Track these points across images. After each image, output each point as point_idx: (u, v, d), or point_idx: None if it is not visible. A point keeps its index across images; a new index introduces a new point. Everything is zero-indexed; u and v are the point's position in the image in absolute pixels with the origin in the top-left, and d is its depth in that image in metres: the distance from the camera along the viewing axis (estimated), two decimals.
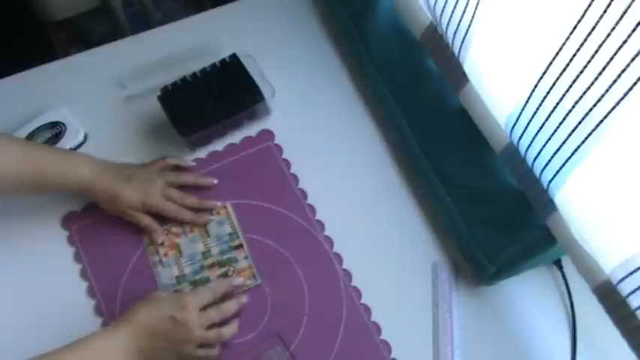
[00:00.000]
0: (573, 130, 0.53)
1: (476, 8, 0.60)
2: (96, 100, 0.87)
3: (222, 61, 0.84)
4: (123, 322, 0.66)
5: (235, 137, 0.86)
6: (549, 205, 0.63)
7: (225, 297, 0.73)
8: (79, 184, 0.73)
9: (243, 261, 0.78)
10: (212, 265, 0.78)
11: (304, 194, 0.83)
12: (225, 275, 0.77)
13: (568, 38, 0.49)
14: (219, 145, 0.86)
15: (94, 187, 0.74)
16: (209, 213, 0.80)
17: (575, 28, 0.48)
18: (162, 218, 0.78)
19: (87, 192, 0.75)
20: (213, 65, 0.84)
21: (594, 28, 0.46)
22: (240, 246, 0.79)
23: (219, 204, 0.81)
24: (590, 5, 0.46)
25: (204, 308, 0.69)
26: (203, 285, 0.75)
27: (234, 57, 0.84)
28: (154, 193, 0.76)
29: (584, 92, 0.50)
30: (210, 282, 0.76)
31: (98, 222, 0.79)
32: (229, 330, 0.71)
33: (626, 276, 0.54)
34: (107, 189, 0.74)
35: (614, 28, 0.44)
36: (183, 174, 0.81)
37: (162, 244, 0.78)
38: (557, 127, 0.55)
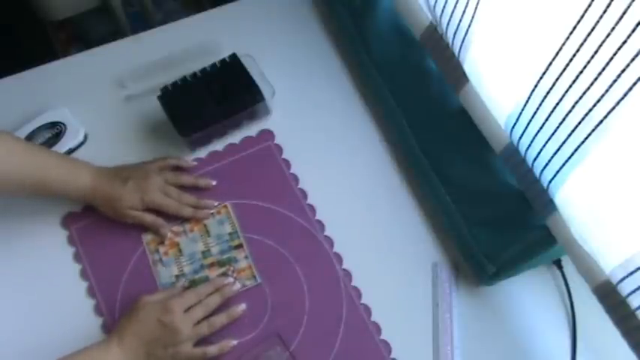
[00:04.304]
0: (573, 130, 0.53)
1: (476, 8, 0.60)
2: (96, 100, 0.87)
3: (222, 61, 0.84)
4: (115, 336, 0.67)
5: (235, 137, 0.86)
6: (549, 205, 0.63)
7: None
8: (80, 192, 0.74)
9: (243, 261, 0.78)
10: (212, 265, 0.78)
11: (304, 194, 0.83)
12: (224, 275, 0.77)
13: (568, 38, 0.49)
14: (219, 145, 0.86)
15: (94, 194, 0.75)
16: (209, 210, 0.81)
17: (575, 28, 0.48)
18: (163, 213, 0.78)
19: (88, 200, 0.76)
20: (213, 65, 0.84)
21: (594, 28, 0.46)
22: (240, 246, 0.79)
23: (216, 204, 0.81)
24: (590, 5, 0.46)
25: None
26: (202, 284, 0.75)
27: (234, 57, 0.84)
28: (152, 189, 0.77)
29: (584, 92, 0.49)
30: (208, 281, 0.76)
31: (98, 222, 0.79)
32: (220, 319, 0.72)
33: (626, 276, 0.54)
34: (106, 194, 0.75)
35: (614, 28, 0.44)
36: (182, 174, 0.81)
37: (162, 242, 0.78)
38: (557, 127, 0.55)
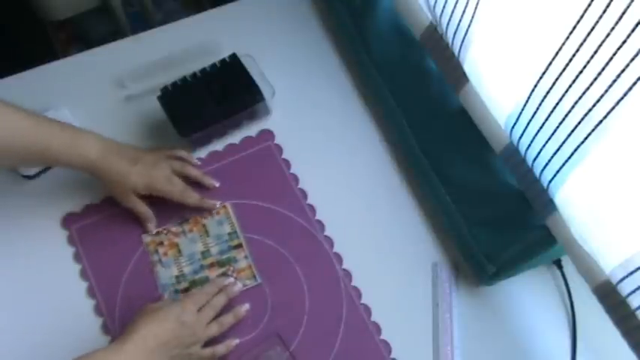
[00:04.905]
0: (573, 130, 0.52)
1: (476, 8, 0.60)
2: (96, 100, 0.87)
3: (222, 61, 0.84)
4: (129, 339, 0.64)
5: (235, 137, 0.86)
6: (549, 205, 0.63)
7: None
8: (86, 162, 0.72)
9: (243, 260, 0.78)
10: (212, 265, 0.78)
11: (304, 194, 0.83)
12: (224, 275, 0.77)
13: (568, 38, 0.49)
14: (219, 145, 0.86)
15: (101, 165, 0.73)
16: (209, 213, 0.81)
17: (574, 28, 0.48)
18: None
19: (94, 170, 0.74)
20: (213, 65, 0.84)
21: (594, 28, 0.46)
22: (239, 245, 0.79)
23: (218, 204, 0.81)
24: (589, 5, 0.46)
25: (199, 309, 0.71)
26: (202, 285, 0.75)
27: (234, 57, 0.84)
28: (159, 176, 0.76)
29: (584, 92, 0.49)
30: (209, 282, 0.76)
31: (98, 222, 0.79)
32: (227, 319, 0.72)
33: (626, 276, 0.54)
34: (114, 168, 0.74)
35: (613, 28, 0.44)
36: (189, 166, 0.81)
37: (161, 243, 0.78)
38: (557, 127, 0.55)
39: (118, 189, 0.76)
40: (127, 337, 0.64)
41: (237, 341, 0.73)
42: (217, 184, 0.82)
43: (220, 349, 0.71)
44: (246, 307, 0.75)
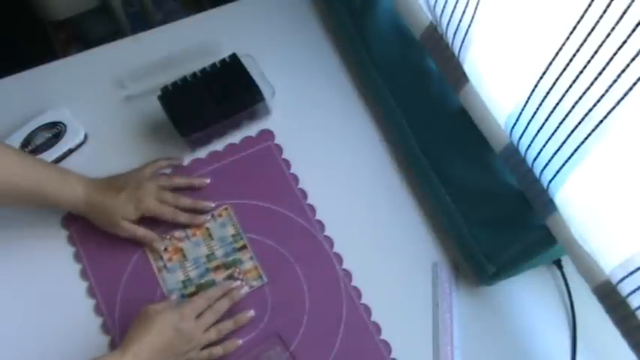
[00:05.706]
0: (573, 130, 0.53)
1: (476, 8, 0.60)
2: (96, 100, 0.87)
3: (222, 61, 0.84)
4: (126, 351, 0.64)
5: (235, 137, 0.86)
6: (549, 205, 0.63)
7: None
8: (72, 203, 0.73)
9: (249, 262, 0.78)
10: (217, 268, 0.78)
11: (304, 194, 0.83)
12: (231, 277, 0.77)
13: (568, 38, 0.49)
14: (219, 145, 0.86)
15: (88, 205, 0.73)
16: (206, 214, 0.80)
17: (575, 28, 0.48)
18: (160, 224, 0.78)
19: (81, 211, 0.75)
20: (213, 65, 0.84)
21: (594, 28, 0.46)
22: (244, 247, 0.79)
23: (213, 205, 0.81)
24: (590, 5, 0.46)
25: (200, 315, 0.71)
26: (209, 288, 0.75)
27: (234, 57, 0.84)
28: (147, 197, 0.76)
29: (584, 92, 0.50)
30: (216, 285, 0.76)
31: None
32: (227, 325, 0.72)
33: (626, 276, 0.54)
34: (100, 206, 0.74)
35: (614, 28, 0.44)
36: (175, 177, 0.81)
37: (165, 249, 0.78)
38: (557, 127, 0.55)
39: (113, 220, 0.75)
40: (124, 350, 0.64)
41: (239, 342, 0.73)
42: (207, 181, 0.82)
43: (217, 350, 0.71)
44: (250, 313, 0.74)
